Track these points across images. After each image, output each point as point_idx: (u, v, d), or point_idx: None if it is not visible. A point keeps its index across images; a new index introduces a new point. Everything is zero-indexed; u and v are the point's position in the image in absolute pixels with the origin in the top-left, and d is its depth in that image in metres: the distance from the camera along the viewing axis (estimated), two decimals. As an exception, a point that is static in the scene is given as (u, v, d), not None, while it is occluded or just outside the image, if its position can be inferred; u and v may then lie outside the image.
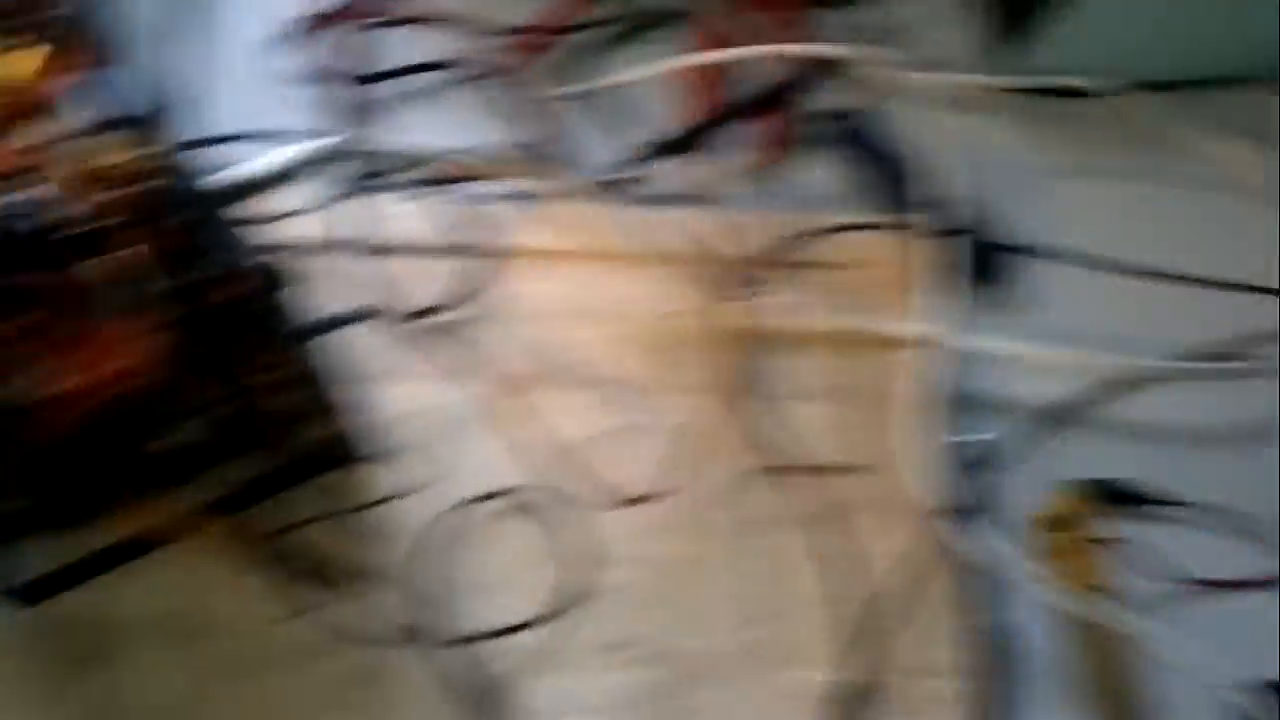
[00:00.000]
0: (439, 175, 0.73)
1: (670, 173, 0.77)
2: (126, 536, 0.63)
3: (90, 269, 0.52)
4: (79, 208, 0.50)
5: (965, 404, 0.70)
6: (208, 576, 0.63)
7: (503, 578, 0.65)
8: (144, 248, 0.51)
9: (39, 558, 0.62)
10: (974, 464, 0.68)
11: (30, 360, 0.52)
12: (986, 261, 0.75)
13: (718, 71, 0.80)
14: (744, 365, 0.70)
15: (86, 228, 0.51)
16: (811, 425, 0.69)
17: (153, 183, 0.51)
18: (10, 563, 0.61)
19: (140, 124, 0.52)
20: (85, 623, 0.62)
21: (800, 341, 0.71)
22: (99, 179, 0.49)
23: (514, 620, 0.63)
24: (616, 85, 0.79)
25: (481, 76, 0.80)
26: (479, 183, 0.75)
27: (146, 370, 0.53)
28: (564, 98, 0.80)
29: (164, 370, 0.54)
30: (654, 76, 0.78)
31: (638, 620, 0.64)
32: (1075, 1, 0.76)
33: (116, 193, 0.49)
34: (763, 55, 0.79)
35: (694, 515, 0.66)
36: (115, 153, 0.49)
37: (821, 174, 0.78)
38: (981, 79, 0.81)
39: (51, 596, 0.62)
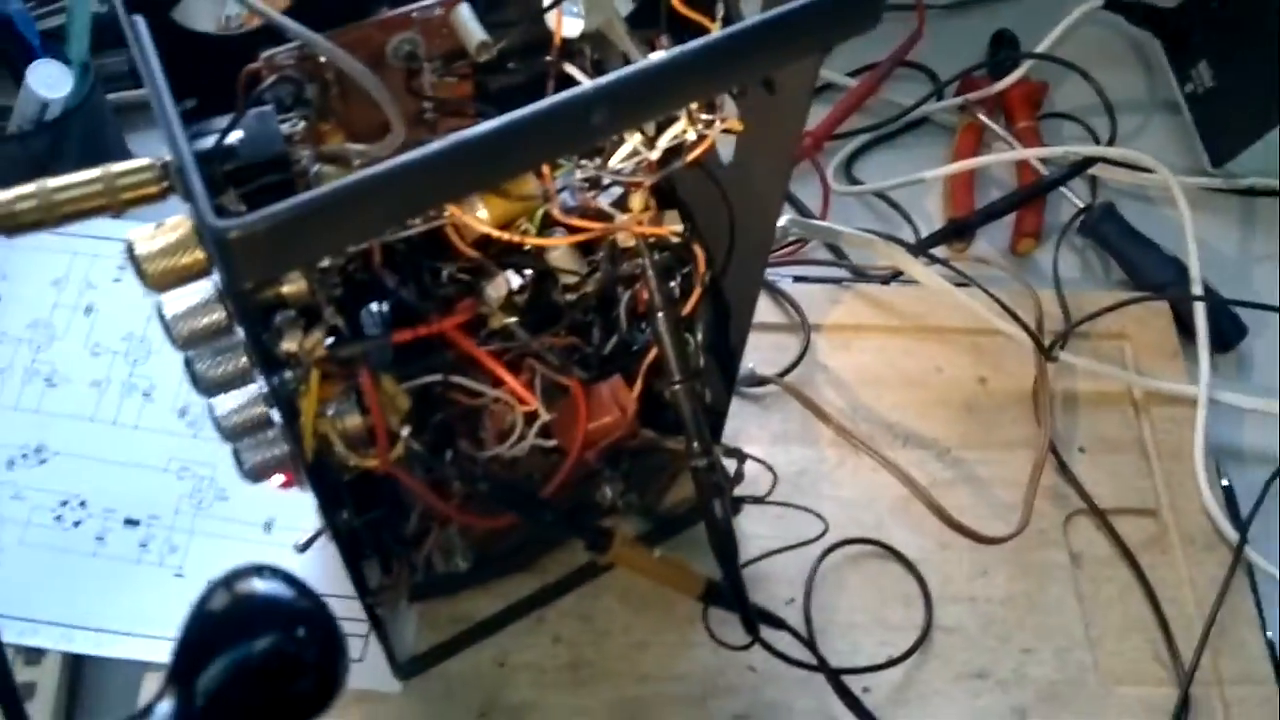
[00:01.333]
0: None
1: (949, 258, 0.87)
2: (545, 584, 0.70)
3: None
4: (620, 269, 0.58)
5: (1230, 451, 0.80)
6: (603, 625, 0.71)
7: (868, 615, 0.72)
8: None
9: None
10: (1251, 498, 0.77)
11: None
12: (1222, 329, 0.85)
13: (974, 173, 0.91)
14: (1052, 421, 0.79)
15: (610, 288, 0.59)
16: (1115, 472, 0.78)
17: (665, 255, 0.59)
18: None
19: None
20: (487, 677, 0.69)
21: (1096, 400, 0.80)
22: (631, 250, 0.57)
23: (884, 654, 0.70)
24: (896, 185, 0.89)
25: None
26: (783, 266, 0.84)
27: (630, 423, 0.61)
28: (852, 193, 0.90)
29: (636, 424, 0.63)
30: (930, 178, 0.88)
31: (987, 651, 0.71)
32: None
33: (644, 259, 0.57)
34: (1021, 158, 0.90)
35: (1024, 555, 0.74)
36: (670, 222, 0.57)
37: (1068, 260, 0.89)
38: (1202, 180, 0.93)
39: (452, 655, 0.69)
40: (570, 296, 0.61)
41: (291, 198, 0.33)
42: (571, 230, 0.54)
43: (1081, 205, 0.90)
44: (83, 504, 0.72)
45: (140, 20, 0.36)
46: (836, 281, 0.85)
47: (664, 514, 0.74)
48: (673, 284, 0.61)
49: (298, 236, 0.34)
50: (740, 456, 0.69)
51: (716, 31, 0.39)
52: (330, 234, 0.34)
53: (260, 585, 0.31)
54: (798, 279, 0.85)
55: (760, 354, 0.81)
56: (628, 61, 0.50)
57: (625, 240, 0.58)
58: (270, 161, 0.41)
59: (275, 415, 0.48)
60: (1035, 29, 0.98)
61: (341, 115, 0.46)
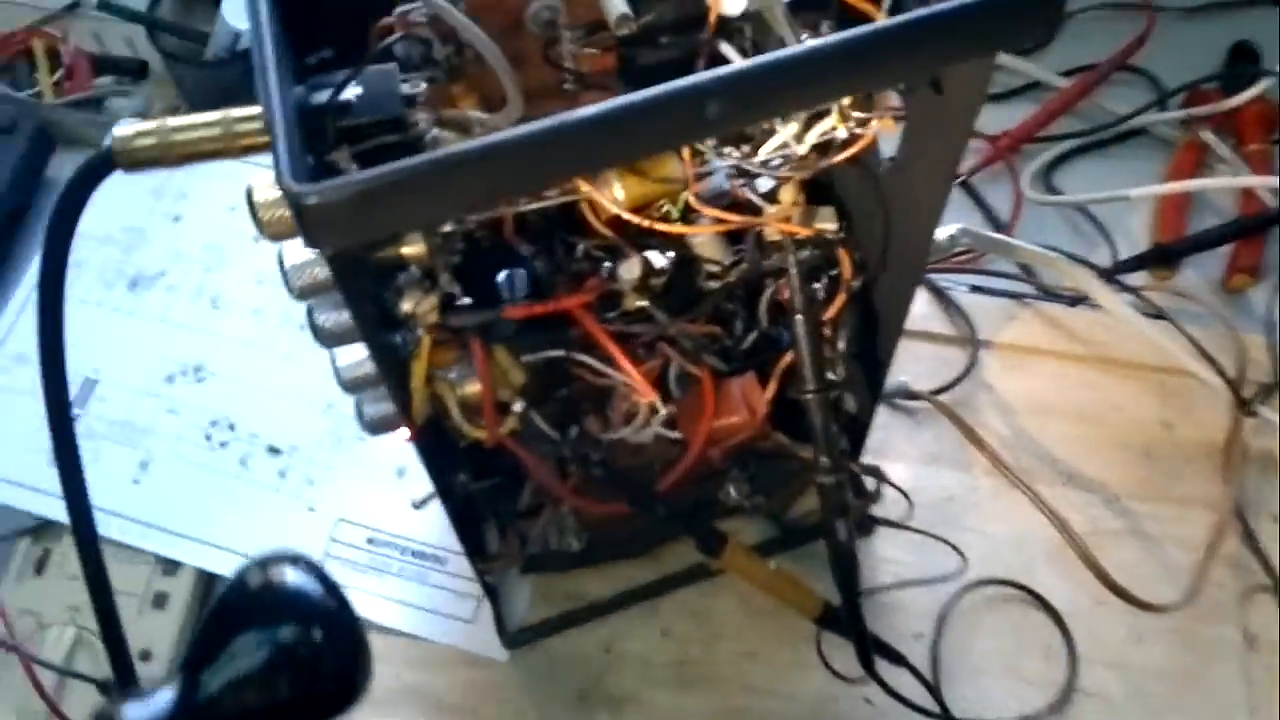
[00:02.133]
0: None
1: (1147, 285, 0.79)
2: (662, 574, 0.68)
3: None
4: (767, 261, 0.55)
5: None
6: (716, 626, 0.68)
7: (1002, 664, 0.66)
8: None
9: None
10: None
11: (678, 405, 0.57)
12: None
13: (1189, 196, 0.82)
14: (1242, 482, 0.71)
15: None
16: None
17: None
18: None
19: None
20: (593, 660, 0.67)
21: (1297, 464, 0.72)
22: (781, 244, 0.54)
23: (1015, 709, 0.65)
24: (1098, 199, 0.82)
25: (963, 175, 0.84)
26: (960, 274, 0.79)
27: (758, 426, 0.58)
28: (1046, 203, 0.83)
29: (765, 427, 0.60)
30: (1138, 195, 0.80)
31: (1127, 724, 0.65)
32: None
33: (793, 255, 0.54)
34: (1246, 185, 0.81)
35: (1190, 627, 0.67)
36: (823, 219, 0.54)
37: (1289, 300, 0.79)
38: None
39: (559, 632, 0.68)
40: (713, 284, 0.59)
41: (377, 167, 0.32)
42: (713, 219, 0.51)
43: (1312, 244, 0.80)
44: (231, 427, 0.74)
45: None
46: (1017, 297, 0.79)
47: (793, 523, 0.70)
48: (818, 285, 0.58)
49: (377, 207, 0.32)
50: (878, 476, 0.65)
51: (862, 27, 0.35)
52: (412, 208, 0.33)
53: (291, 576, 0.30)
54: (974, 288, 0.79)
55: (922, 365, 0.75)
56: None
57: (772, 234, 0.55)
58: (386, 122, 0.39)
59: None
60: (1283, 43, 0.88)
61: (475, 78, 0.45)
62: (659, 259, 0.55)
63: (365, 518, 0.71)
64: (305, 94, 0.39)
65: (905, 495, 0.65)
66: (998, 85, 0.90)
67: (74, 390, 0.75)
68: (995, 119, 0.87)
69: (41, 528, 0.71)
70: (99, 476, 0.71)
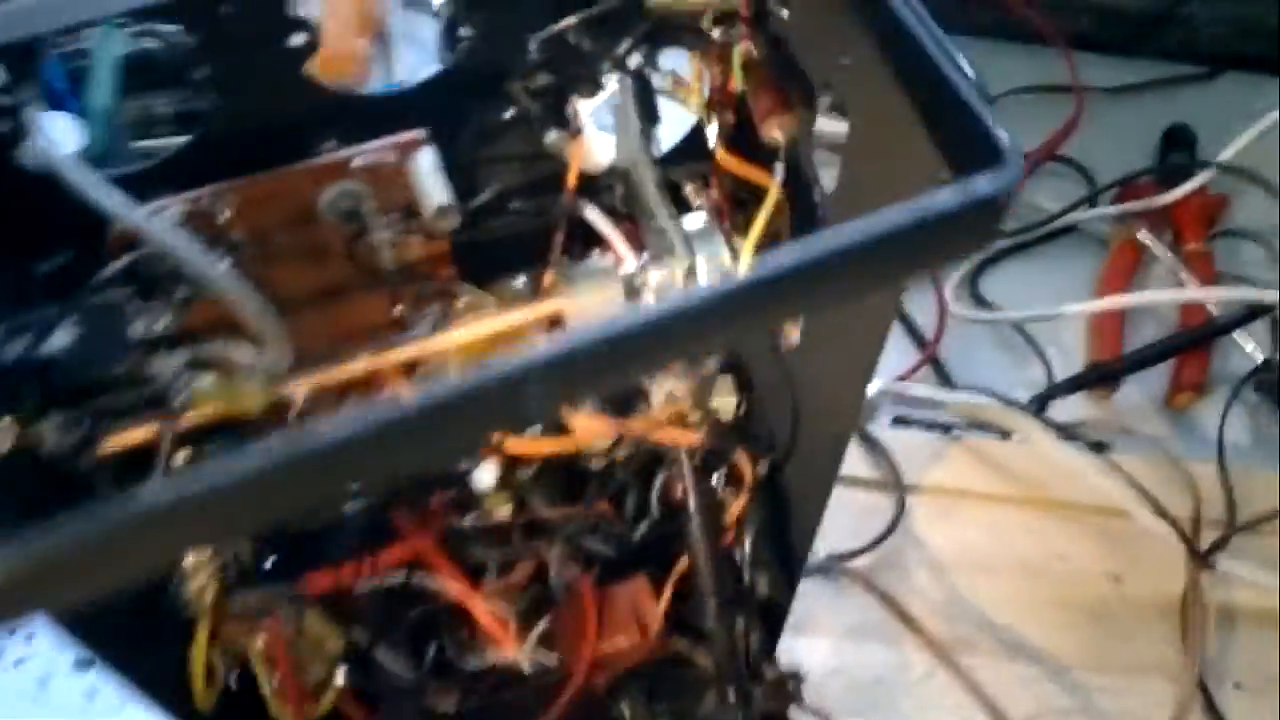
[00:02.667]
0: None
1: (1083, 407, 0.71)
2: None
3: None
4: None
5: None
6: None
7: None
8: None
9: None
10: None
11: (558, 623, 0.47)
12: None
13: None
14: (1201, 645, 0.62)
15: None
16: (1282, 722, 0.61)
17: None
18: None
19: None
20: None
21: (1260, 620, 0.64)
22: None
23: None
24: (1029, 317, 0.74)
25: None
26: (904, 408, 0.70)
27: (652, 641, 0.48)
28: (974, 320, 0.74)
29: (661, 641, 0.49)
30: (1072, 313, 0.72)
31: None
32: None
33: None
34: (1189, 300, 0.73)
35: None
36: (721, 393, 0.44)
37: (1237, 421, 0.72)
38: None
39: None
40: (596, 464, 0.49)
41: (45, 530, 0.21)
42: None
43: (1261, 358, 0.72)
44: (29, 638, 0.62)
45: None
46: (945, 429, 0.70)
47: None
48: (717, 476, 0.48)
49: (50, 580, 0.21)
50: (797, 682, 0.55)
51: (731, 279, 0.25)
52: (92, 577, 0.22)
53: None
54: (897, 420, 0.70)
55: (845, 517, 0.66)
56: (653, 216, 0.37)
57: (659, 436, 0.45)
58: (108, 380, 0.29)
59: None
60: (1219, 125, 0.80)
61: (265, 281, 0.34)
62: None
63: (191, 738, 0.59)
64: (1, 340, 0.28)
65: (815, 713, 0.55)
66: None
67: None
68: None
69: None
70: None
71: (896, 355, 0.73)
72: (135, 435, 0.31)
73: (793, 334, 0.43)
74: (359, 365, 0.33)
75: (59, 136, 0.65)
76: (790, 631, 0.61)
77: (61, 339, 0.28)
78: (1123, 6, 0.84)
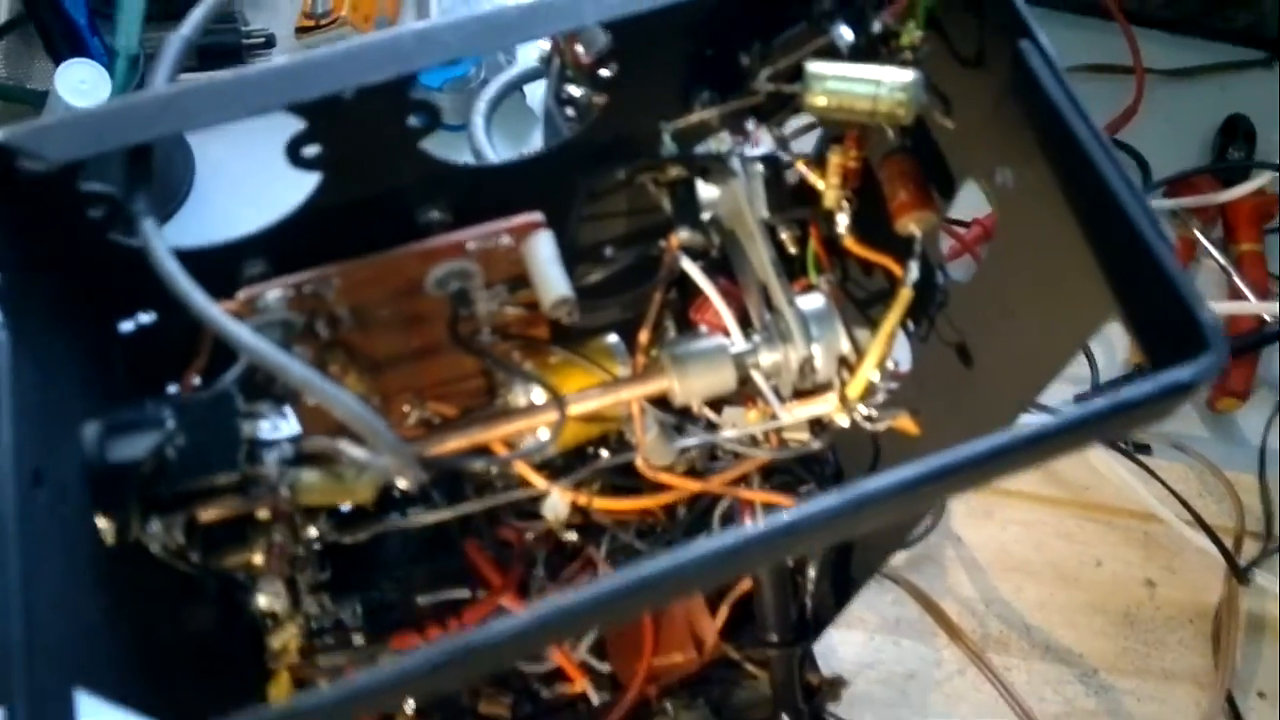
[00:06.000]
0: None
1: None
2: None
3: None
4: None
5: None
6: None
7: None
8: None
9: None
10: None
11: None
12: None
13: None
14: (1235, 654, 0.63)
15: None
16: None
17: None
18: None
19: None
20: None
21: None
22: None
23: None
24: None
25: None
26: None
27: (706, 657, 0.48)
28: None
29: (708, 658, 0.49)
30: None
31: None
32: None
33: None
34: (1242, 311, 0.72)
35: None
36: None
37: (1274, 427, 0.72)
38: None
39: None
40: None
41: None
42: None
43: (1306, 365, 0.72)
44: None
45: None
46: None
47: None
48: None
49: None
50: (838, 688, 0.55)
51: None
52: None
53: None
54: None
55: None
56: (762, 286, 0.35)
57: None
58: (219, 485, 0.27)
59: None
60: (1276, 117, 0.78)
61: (357, 346, 0.33)
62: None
63: None
64: (99, 442, 0.27)
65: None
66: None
67: None
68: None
69: None
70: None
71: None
72: (228, 507, 0.30)
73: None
74: (460, 441, 0.32)
75: (90, 91, 0.63)
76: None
77: (164, 437, 0.27)
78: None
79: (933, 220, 0.33)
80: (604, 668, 0.50)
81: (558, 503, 0.43)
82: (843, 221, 0.33)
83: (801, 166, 0.34)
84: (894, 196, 0.32)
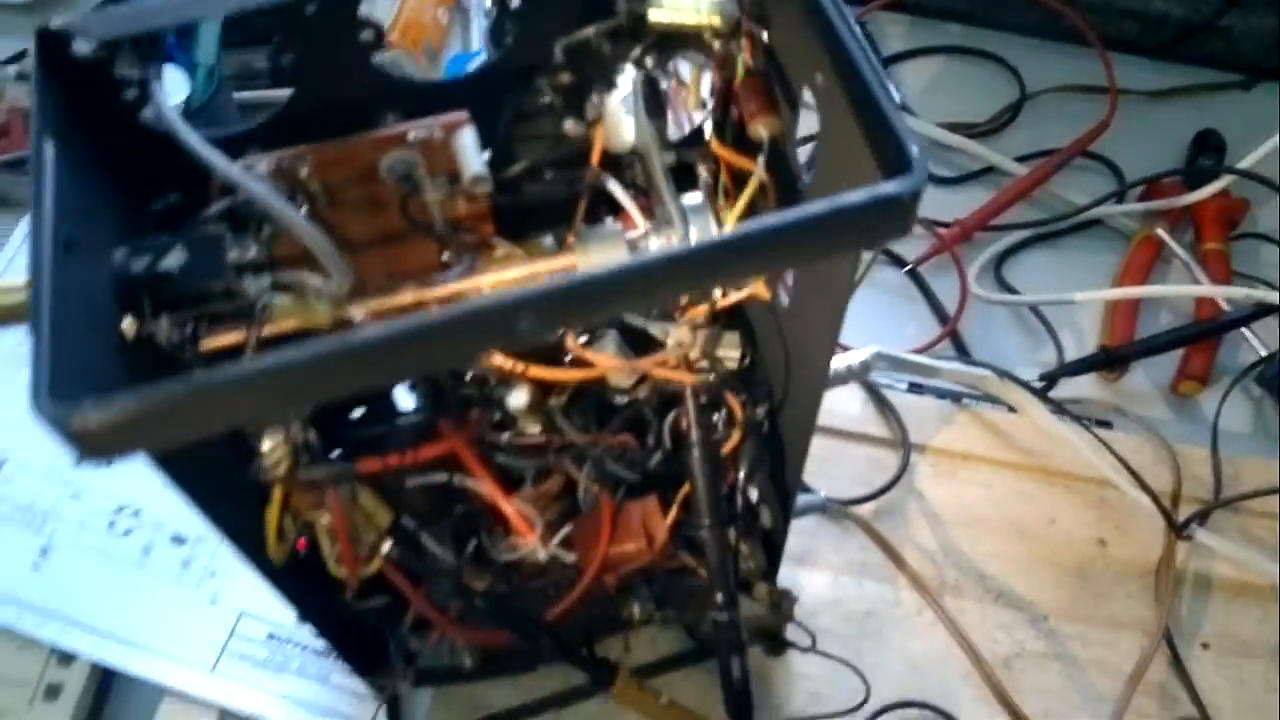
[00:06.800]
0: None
1: (1092, 389, 0.77)
2: (567, 686, 0.65)
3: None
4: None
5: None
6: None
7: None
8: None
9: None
10: None
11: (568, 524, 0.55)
12: None
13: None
14: (1173, 608, 0.68)
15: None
16: (1241, 680, 0.67)
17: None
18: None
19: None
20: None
21: (1234, 590, 0.69)
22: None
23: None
24: (1045, 300, 0.79)
25: (909, 264, 0.82)
26: (901, 372, 0.76)
27: (656, 554, 0.56)
28: (993, 301, 0.80)
29: (665, 552, 0.57)
30: (1084, 299, 0.78)
31: None
32: None
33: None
34: (1196, 294, 0.78)
35: (1108, 761, 0.65)
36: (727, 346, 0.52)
37: (1238, 411, 0.77)
38: None
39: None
40: (620, 400, 0.56)
41: (155, 384, 0.30)
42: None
43: (1264, 353, 0.77)
44: (136, 513, 0.72)
45: (49, 146, 0.33)
46: (956, 398, 0.76)
47: (707, 635, 0.68)
48: (718, 416, 0.55)
49: (151, 426, 0.30)
50: (786, 602, 0.62)
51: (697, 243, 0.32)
52: (191, 424, 0.31)
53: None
54: (912, 387, 0.76)
55: (852, 469, 0.73)
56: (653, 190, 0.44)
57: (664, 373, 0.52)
58: (210, 292, 0.37)
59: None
60: (1249, 133, 0.83)
61: (334, 225, 0.43)
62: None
63: (269, 612, 0.69)
64: (125, 260, 0.37)
65: (806, 629, 0.63)
66: (953, 168, 0.88)
67: (-20, 470, 0.73)
68: (948, 204, 0.85)
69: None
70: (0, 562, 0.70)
71: (919, 330, 0.80)
72: (227, 338, 0.40)
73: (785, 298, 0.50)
74: (407, 296, 0.42)
75: (170, 92, 0.76)
76: (794, 563, 0.69)
77: (173, 259, 0.37)
78: (1165, 13, 0.88)
79: (778, 125, 0.41)
80: (570, 557, 0.58)
81: (518, 397, 0.52)
82: (707, 129, 0.42)
83: (671, 82, 0.43)
84: (747, 108, 0.41)
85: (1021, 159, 0.86)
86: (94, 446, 0.30)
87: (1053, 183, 0.84)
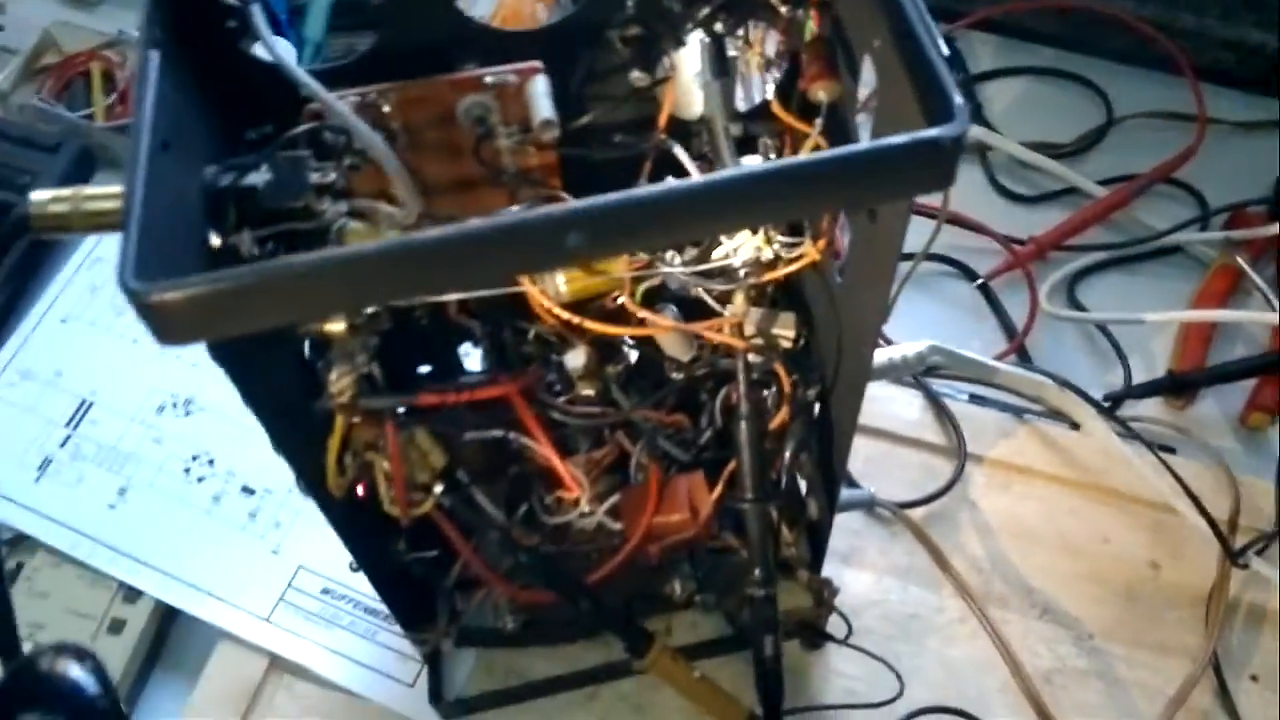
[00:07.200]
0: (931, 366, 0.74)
1: (1157, 414, 0.76)
2: (607, 660, 0.66)
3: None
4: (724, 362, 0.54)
5: None
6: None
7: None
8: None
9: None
10: None
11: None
12: None
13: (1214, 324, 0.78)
14: (1226, 636, 0.67)
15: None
16: (1288, 716, 0.65)
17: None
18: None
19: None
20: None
21: (1288, 622, 0.68)
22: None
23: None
24: (1115, 319, 0.79)
25: (980, 278, 0.82)
26: (965, 382, 0.76)
27: (700, 526, 0.57)
28: (1062, 318, 0.80)
29: (709, 528, 0.58)
30: (1155, 320, 0.77)
31: None
32: None
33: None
34: (1270, 322, 0.77)
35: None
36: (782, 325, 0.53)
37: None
38: None
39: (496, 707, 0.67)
40: (677, 375, 0.58)
41: (230, 268, 0.32)
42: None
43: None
44: (211, 462, 0.75)
45: (154, 55, 0.36)
46: (1017, 412, 0.76)
47: (746, 622, 0.68)
48: (768, 393, 0.56)
49: (223, 309, 0.32)
50: (828, 590, 0.63)
51: (741, 165, 0.34)
52: (260, 312, 0.33)
53: (74, 671, 0.30)
54: (973, 398, 0.76)
55: (905, 473, 0.73)
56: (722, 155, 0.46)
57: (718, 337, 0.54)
58: (291, 210, 0.40)
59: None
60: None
61: (412, 166, 0.45)
62: (626, 345, 0.55)
63: (325, 568, 0.71)
64: (215, 175, 0.40)
65: (844, 618, 0.63)
66: (1033, 187, 0.88)
67: (70, 410, 0.77)
68: (1027, 222, 0.85)
69: (18, 541, 0.72)
70: (78, 498, 0.73)
71: (986, 344, 0.80)
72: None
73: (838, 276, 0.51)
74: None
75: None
76: (839, 560, 0.70)
77: (258, 177, 0.40)
78: (1261, 44, 0.87)
79: (837, 89, 0.42)
80: (616, 525, 0.59)
81: (576, 358, 0.54)
82: (769, 91, 0.44)
83: (739, 44, 0.44)
84: (808, 72, 0.42)
85: (1104, 182, 0.85)
86: (171, 325, 0.32)
87: (1133, 207, 0.84)
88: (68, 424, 0.77)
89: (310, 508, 0.72)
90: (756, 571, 0.56)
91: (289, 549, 0.72)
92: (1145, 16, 0.88)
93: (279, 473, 0.73)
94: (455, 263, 0.33)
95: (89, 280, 0.83)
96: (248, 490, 0.74)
